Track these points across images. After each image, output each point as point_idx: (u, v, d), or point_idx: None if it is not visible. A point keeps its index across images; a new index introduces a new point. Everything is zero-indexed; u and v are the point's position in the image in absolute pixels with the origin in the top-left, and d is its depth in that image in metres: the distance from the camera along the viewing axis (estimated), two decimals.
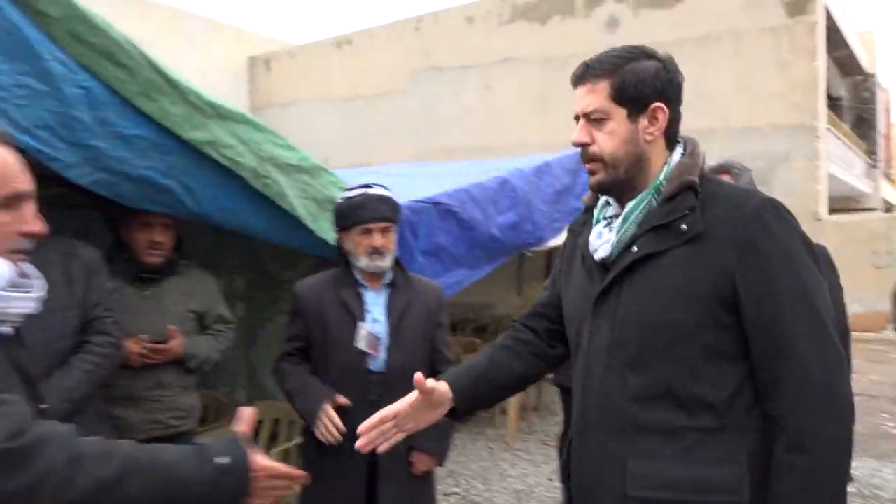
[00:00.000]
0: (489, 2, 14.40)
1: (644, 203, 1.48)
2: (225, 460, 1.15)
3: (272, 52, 17.71)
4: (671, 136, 1.50)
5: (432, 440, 2.42)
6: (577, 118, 1.51)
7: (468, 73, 14.27)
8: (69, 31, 2.03)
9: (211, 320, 2.79)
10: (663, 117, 1.46)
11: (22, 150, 1.34)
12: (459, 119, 14.15)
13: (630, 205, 1.49)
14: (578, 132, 1.50)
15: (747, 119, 11.59)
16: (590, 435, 1.49)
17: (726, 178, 2.55)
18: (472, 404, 1.67)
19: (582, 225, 1.67)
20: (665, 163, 1.48)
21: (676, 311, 1.38)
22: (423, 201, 3.88)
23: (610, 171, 1.48)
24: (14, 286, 1.26)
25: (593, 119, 1.47)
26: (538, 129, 12.53)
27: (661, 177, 1.47)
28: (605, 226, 1.54)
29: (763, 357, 1.36)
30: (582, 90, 1.49)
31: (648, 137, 1.46)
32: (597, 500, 1.45)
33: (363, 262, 2.42)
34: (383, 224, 2.41)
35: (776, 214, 1.38)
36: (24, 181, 1.29)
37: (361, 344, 2.38)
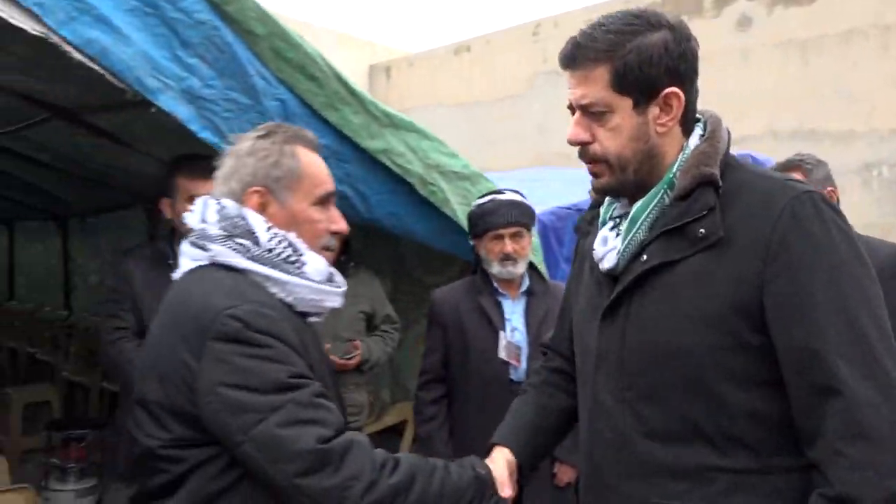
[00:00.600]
0: (610, 4, 14.18)
1: (655, 201, 1.23)
2: (482, 471, 1.29)
3: (392, 61, 18.18)
4: (688, 120, 1.24)
5: (574, 452, 2.42)
6: (571, 109, 1.25)
7: None
8: (271, 48, 2.18)
9: (379, 320, 2.91)
10: (678, 103, 1.19)
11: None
12: None
13: (638, 204, 1.24)
14: (574, 128, 1.24)
15: (895, 120, 10.79)
16: (600, 477, 1.27)
17: (797, 175, 2.18)
18: (535, 459, 1.56)
19: (589, 223, 1.48)
20: (681, 150, 1.23)
21: (692, 333, 1.14)
22: (567, 208, 3.87)
23: (617, 174, 1.23)
24: (328, 281, 1.40)
25: (592, 112, 1.21)
26: None
27: (675, 168, 1.21)
28: (612, 228, 1.31)
29: (798, 390, 1.09)
30: (575, 76, 1.21)
31: (661, 129, 1.20)
32: None
33: (496, 268, 2.43)
34: (514, 229, 2.41)
35: (814, 211, 1.10)
36: (331, 182, 1.44)
37: (503, 354, 2.39)
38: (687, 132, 1.24)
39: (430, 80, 18.86)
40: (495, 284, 2.48)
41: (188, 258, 1.38)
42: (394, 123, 2.62)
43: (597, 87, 1.19)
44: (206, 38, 2.03)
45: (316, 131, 2.45)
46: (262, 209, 1.36)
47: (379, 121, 2.57)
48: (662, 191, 1.22)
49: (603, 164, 1.23)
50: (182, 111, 2.08)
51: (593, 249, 1.33)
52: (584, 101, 1.21)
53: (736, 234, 1.13)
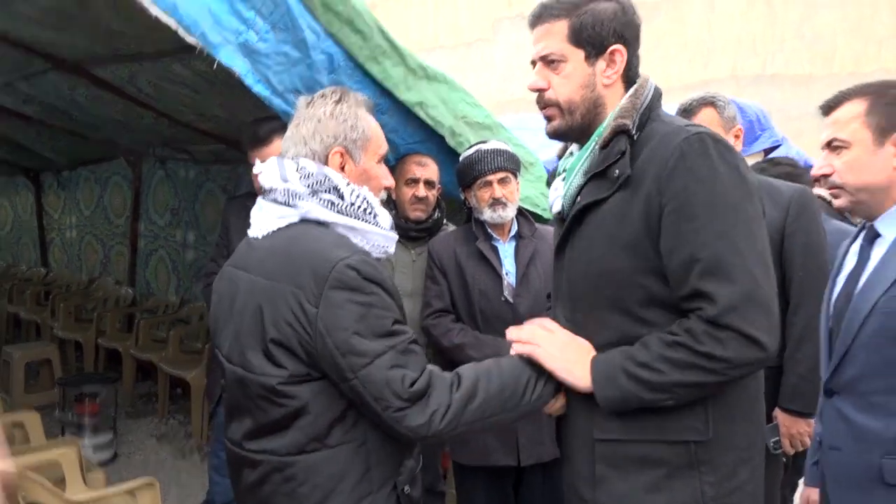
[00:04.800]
0: None
1: (588, 152, 1.45)
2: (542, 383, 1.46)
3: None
4: (629, 81, 1.45)
5: None
6: (533, 63, 1.47)
7: None
8: (322, 2, 2.18)
9: None
10: (621, 60, 1.42)
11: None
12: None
13: (576, 154, 1.49)
14: (535, 77, 1.46)
15: (854, 64, 11.11)
16: (566, 416, 1.52)
17: (710, 110, 2.43)
18: None
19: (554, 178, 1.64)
20: (618, 106, 1.44)
21: (613, 258, 1.37)
22: None
23: (566, 118, 1.44)
24: (392, 228, 1.54)
25: (549, 62, 1.43)
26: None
27: (605, 122, 1.43)
28: (563, 178, 1.52)
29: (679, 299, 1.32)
30: (539, 31, 1.45)
31: (606, 81, 1.42)
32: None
33: (487, 214, 2.53)
34: (501, 174, 2.52)
35: (700, 148, 1.30)
36: (386, 144, 1.59)
37: (508, 295, 2.52)
38: (626, 89, 1.45)
39: (391, 25, 18.49)
40: (489, 230, 2.59)
41: (273, 216, 1.46)
42: (428, 76, 2.65)
43: (556, 39, 1.41)
44: None
45: (358, 83, 2.50)
46: (341, 167, 1.49)
47: (415, 73, 2.59)
48: (594, 142, 1.44)
49: (555, 108, 1.45)
50: (239, 65, 2.08)
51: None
52: (545, 52, 1.43)
53: (644, 173, 1.34)
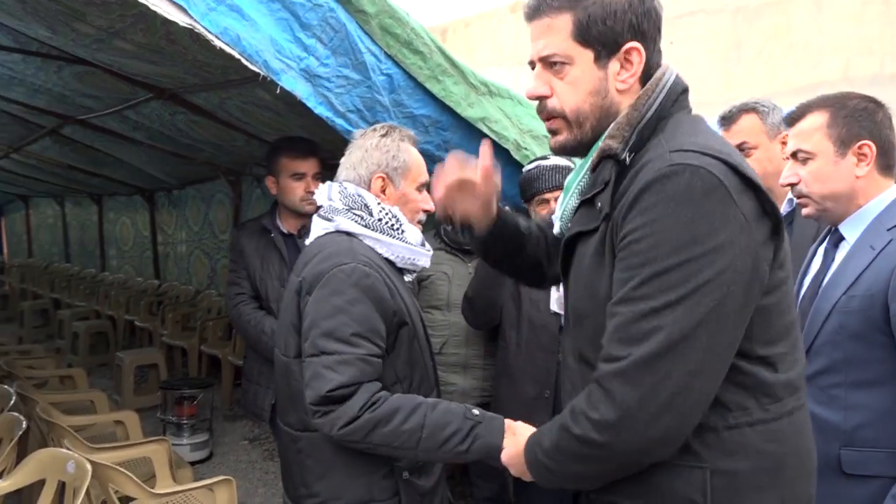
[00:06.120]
0: None
1: (583, 171, 1.22)
2: (475, 411, 1.52)
3: (448, 23, 18.02)
4: (648, 82, 1.18)
5: None
6: (532, 64, 1.23)
7: None
8: (380, 25, 2.28)
9: None
10: (639, 60, 1.15)
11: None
12: None
13: (571, 174, 1.27)
14: (534, 82, 1.21)
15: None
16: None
17: (752, 117, 2.31)
18: (500, 236, 1.55)
19: None
20: None
21: (592, 307, 1.16)
22: None
23: (574, 131, 1.20)
24: (421, 245, 1.78)
25: (551, 63, 1.18)
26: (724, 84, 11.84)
27: (602, 138, 1.18)
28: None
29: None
30: (537, 27, 1.19)
31: (621, 86, 1.16)
32: None
33: None
34: (558, 193, 2.50)
35: (669, 186, 1.02)
36: (427, 174, 1.80)
37: (555, 306, 2.50)
38: None
39: (488, 41, 18.69)
40: None
41: (319, 227, 1.77)
42: (490, 92, 2.72)
43: (559, 36, 1.16)
44: (322, 20, 2.15)
45: (419, 102, 2.59)
46: (382, 190, 1.76)
47: (477, 89, 2.66)
48: (588, 161, 1.21)
49: (560, 120, 1.20)
50: (301, 89, 2.22)
51: None
52: (545, 52, 1.18)
53: (620, 208, 1.09)
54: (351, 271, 1.57)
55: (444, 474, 1.82)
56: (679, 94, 1.18)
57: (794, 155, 1.74)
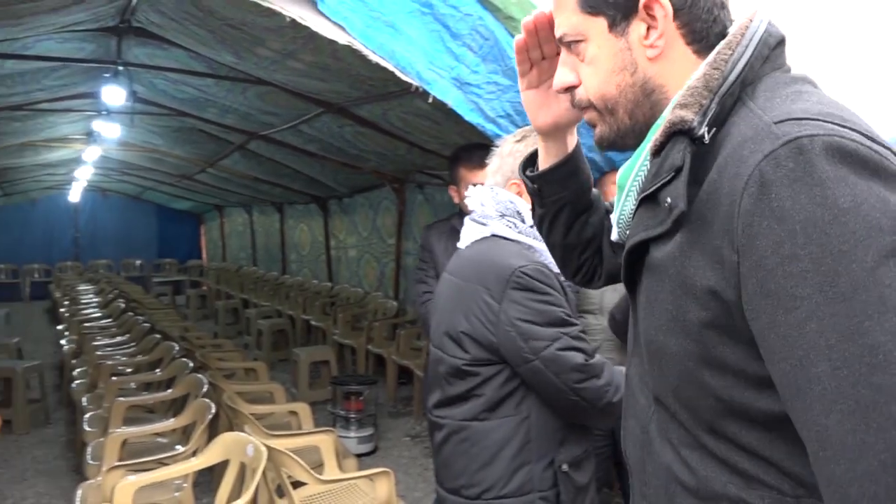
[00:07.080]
0: None
1: (641, 159, 0.90)
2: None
3: None
4: (703, 36, 0.87)
5: None
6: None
7: None
8: None
9: None
10: (663, 13, 0.85)
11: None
12: None
13: (625, 165, 0.94)
14: (558, 71, 0.98)
15: None
16: (635, 486, 1.02)
17: None
18: (574, 173, 1.21)
19: None
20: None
21: (673, 338, 0.84)
22: None
23: (608, 120, 0.93)
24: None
25: (569, 45, 0.95)
26: None
27: (665, 112, 0.87)
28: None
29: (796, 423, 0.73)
30: (551, 5, 0.97)
31: (651, 53, 0.88)
32: None
33: None
34: None
35: (797, 173, 0.69)
36: None
37: None
38: (707, 50, 0.87)
39: None
40: None
41: (473, 232, 1.80)
42: None
43: (567, 10, 0.93)
44: (472, 29, 2.22)
45: None
46: (518, 195, 1.76)
47: None
48: (646, 146, 0.90)
49: (592, 111, 0.95)
50: (452, 97, 2.30)
51: None
52: (559, 32, 0.96)
53: (706, 206, 0.78)
54: (532, 271, 1.62)
55: (594, 476, 1.82)
56: (773, 47, 0.86)
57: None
